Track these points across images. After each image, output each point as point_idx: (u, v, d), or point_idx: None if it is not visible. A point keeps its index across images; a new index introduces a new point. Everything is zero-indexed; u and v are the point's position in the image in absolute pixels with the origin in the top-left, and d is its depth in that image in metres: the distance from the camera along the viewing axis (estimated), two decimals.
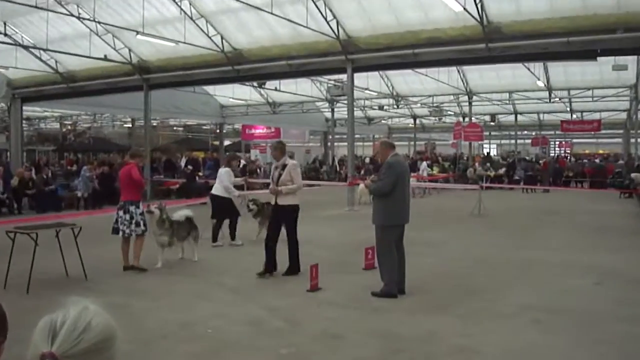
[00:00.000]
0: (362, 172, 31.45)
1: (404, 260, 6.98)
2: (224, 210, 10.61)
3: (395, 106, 31.97)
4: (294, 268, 7.85)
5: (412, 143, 43.69)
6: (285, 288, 7.27)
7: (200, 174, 20.99)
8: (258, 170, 29.25)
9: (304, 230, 12.68)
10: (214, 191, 10.63)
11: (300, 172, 8.42)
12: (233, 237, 10.58)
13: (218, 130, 37.27)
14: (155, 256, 8.77)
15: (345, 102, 22.02)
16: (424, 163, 26.50)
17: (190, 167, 20.63)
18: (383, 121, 41.71)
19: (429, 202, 20.53)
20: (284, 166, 7.88)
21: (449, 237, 11.84)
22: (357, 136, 49.77)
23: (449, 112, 34.46)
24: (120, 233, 8.45)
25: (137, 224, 8.42)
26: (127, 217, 8.46)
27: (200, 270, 8.51)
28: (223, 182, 10.50)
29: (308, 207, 18.74)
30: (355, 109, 23.45)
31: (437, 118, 36.86)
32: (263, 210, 10.88)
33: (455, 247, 10.64)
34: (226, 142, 43.42)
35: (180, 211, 9.33)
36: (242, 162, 31.38)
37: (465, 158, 31.88)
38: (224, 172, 10.68)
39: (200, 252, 9.46)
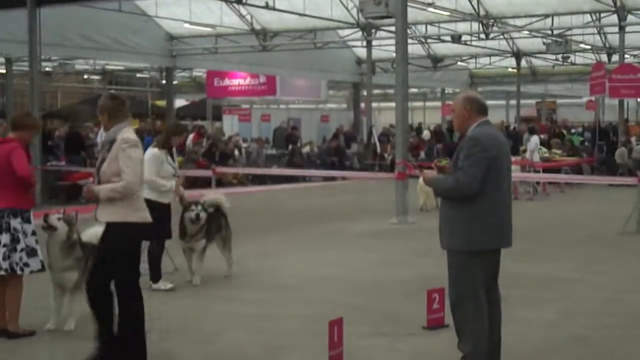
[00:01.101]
0: (423, 155, 28.65)
1: (499, 315, 6.59)
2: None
3: (483, 35, 29.63)
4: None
5: (514, 102, 40.80)
6: None
7: None
8: (236, 152, 26.47)
9: (317, 258, 12.56)
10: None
11: (160, 158, 8.39)
12: (155, 275, 10.09)
13: (164, 81, 34.92)
14: (46, 307, 8.28)
15: (392, 28, 20.69)
16: (534, 138, 24.00)
17: None
18: (461, 63, 38.99)
19: (544, 209, 19.59)
20: (112, 144, 6.73)
21: (583, 272, 11.28)
22: (413, 91, 48.70)
23: (582, 46, 32.24)
24: None
25: (30, 253, 8.01)
26: (6, 238, 7.99)
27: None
28: (146, 176, 9.49)
29: (325, 217, 18.85)
30: (411, 41, 20.89)
31: (558, 56, 34.39)
32: (213, 222, 10.52)
33: (595, 291, 10.12)
34: (179, 102, 40.83)
35: (93, 227, 8.63)
36: (206, 138, 28.27)
37: (612, 129, 28.98)
38: (148, 156, 9.76)
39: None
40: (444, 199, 6.52)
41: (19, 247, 7.82)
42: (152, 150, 9.93)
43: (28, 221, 7.94)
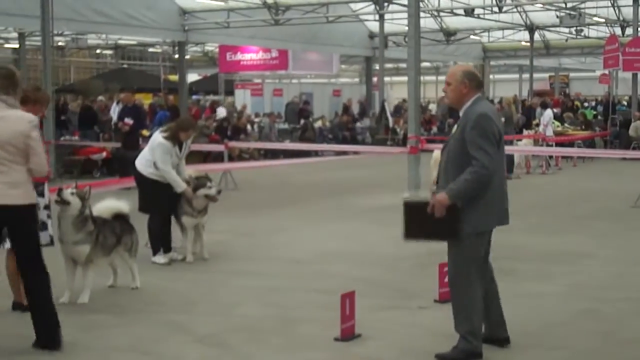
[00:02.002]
0: (435, 129, 28.55)
1: (496, 288, 6.60)
2: (147, 198, 10.19)
3: (496, 8, 29.42)
4: (48, 339, 6.53)
5: (527, 76, 40.69)
6: (298, 335, 6.95)
7: (146, 133, 18.65)
8: (249, 126, 26.45)
9: (331, 232, 12.59)
10: (139, 166, 10.23)
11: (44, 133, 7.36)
12: (155, 248, 10.20)
13: (177, 56, 34.81)
14: (59, 280, 8.31)
15: (405, 2, 20.74)
16: (548, 111, 23.85)
17: (128, 120, 18.19)
18: (474, 37, 38.71)
19: (556, 183, 19.50)
20: None
21: (594, 246, 11.17)
22: (425, 65, 48.61)
23: (596, 19, 31.85)
24: (8, 243, 7.72)
25: (40, 227, 7.77)
26: None
27: (146, 306, 8.15)
28: (157, 161, 9.96)
29: (337, 191, 18.84)
30: (423, 14, 20.77)
31: (572, 30, 33.77)
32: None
33: (605, 265, 10.09)
34: (192, 77, 40.71)
35: (104, 202, 8.86)
36: (221, 112, 28.16)
37: (625, 103, 28.80)
38: (158, 145, 10.03)
39: (142, 273, 9.06)
40: (445, 178, 6.20)
41: None
42: (162, 141, 9.96)
43: (42, 194, 7.92)
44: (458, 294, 6.26)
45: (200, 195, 10.10)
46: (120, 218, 8.79)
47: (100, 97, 27.25)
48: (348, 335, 6.77)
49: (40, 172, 6.52)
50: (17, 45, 34.98)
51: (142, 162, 10.11)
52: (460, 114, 6.21)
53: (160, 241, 10.13)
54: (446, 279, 8.01)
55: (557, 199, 16.44)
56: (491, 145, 5.98)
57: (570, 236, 11.86)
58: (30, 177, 6.43)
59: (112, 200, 8.95)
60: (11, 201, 6.29)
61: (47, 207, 7.99)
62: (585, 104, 33.92)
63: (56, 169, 19.78)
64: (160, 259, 9.90)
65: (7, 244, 7.76)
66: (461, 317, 6.23)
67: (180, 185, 9.99)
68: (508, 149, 20.08)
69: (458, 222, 6.03)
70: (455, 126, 6.25)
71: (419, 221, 6.18)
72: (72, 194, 8.11)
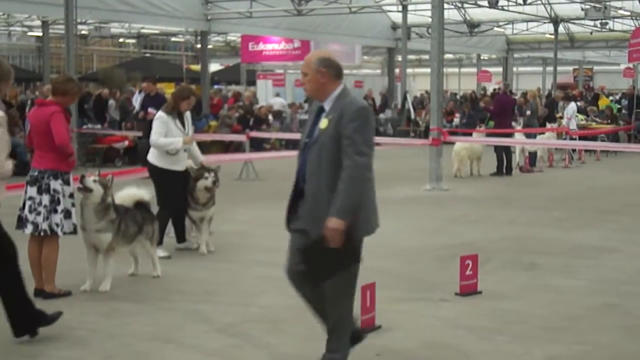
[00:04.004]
0: (458, 120, 28.50)
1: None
2: (158, 190, 10.08)
3: (520, 0, 29.62)
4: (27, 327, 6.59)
5: (551, 69, 40.09)
6: (318, 326, 6.55)
7: None
8: (270, 117, 26.40)
9: None
10: (149, 157, 10.14)
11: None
12: (180, 237, 10.29)
13: (199, 45, 34.65)
14: (80, 268, 8.37)
15: None
16: (572, 105, 23.86)
17: (152, 110, 18.15)
18: (498, 29, 38.43)
19: (579, 177, 19.33)
20: None
21: (617, 241, 11.05)
22: (448, 57, 48.07)
23: (621, 12, 31.59)
24: (29, 228, 7.99)
25: (65, 214, 8.02)
26: (46, 199, 7.95)
27: (167, 294, 8.19)
28: (152, 136, 9.88)
29: None
30: (447, 5, 20.64)
31: (597, 22, 33.61)
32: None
33: (628, 259, 9.99)
34: (214, 67, 40.76)
35: (126, 190, 8.90)
36: (276, 102, 28.08)
37: None
38: (155, 120, 10.03)
39: (163, 262, 9.27)
40: (318, 182, 5.41)
41: (59, 208, 7.86)
42: (159, 114, 9.88)
43: (67, 183, 7.99)
44: (338, 309, 5.63)
45: (200, 188, 9.97)
46: (141, 206, 8.81)
47: (130, 87, 27.35)
48: (368, 326, 6.74)
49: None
50: (40, 34, 35.20)
51: (153, 153, 10.03)
52: (326, 106, 5.49)
53: (167, 233, 10.08)
54: (467, 272, 8.04)
55: (580, 193, 16.33)
56: (370, 146, 5.41)
57: (593, 230, 11.78)
58: None
59: (133, 189, 8.97)
60: None
61: (71, 195, 8.05)
62: (610, 98, 33.63)
63: (78, 157, 19.86)
64: (160, 252, 9.70)
65: (28, 229, 7.86)
66: (342, 339, 5.67)
67: (177, 142, 9.70)
68: (531, 142, 20.17)
69: (356, 242, 5.44)
70: (324, 120, 5.45)
71: (322, 261, 5.34)
72: (95, 181, 8.14)
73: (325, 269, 5.39)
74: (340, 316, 5.62)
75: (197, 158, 10.20)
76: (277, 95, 33.05)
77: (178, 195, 10.01)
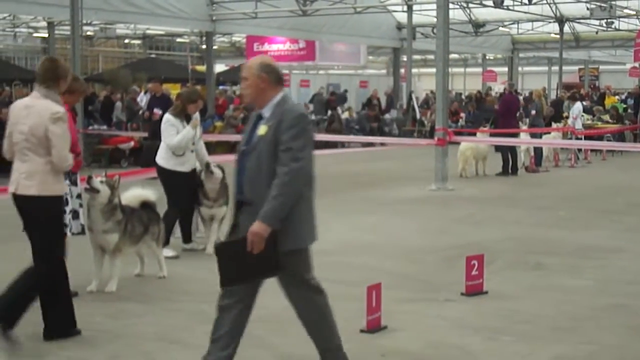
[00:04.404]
0: (463, 120, 28.47)
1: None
2: (166, 190, 10.13)
3: (525, 0, 29.64)
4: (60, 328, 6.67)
5: (557, 69, 40.21)
6: None
7: None
8: None
9: (357, 223, 12.57)
10: (157, 159, 10.16)
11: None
12: (187, 237, 10.33)
13: (204, 46, 34.73)
14: (86, 269, 8.41)
15: None
16: (578, 104, 23.99)
17: (157, 110, 18.24)
18: (503, 29, 38.42)
19: (585, 176, 19.34)
20: None
21: (623, 241, 11.04)
22: (454, 57, 48.36)
23: (627, 11, 31.54)
24: (73, 227, 8.05)
25: (73, 215, 8.05)
26: None
27: (173, 295, 8.23)
28: (163, 139, 9.94)
29: (364, 183, 18.68)
30: (452, 5, 20.60)
31: (602, 22, 33.62)
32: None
33: (634, 259, 9.97)
34: (219, 68, 41.13)
35: (132, 190, 8.94)
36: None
37: None
38: (163, 122, 10.04)
39: (169, 262, 9.29)
40: (254, 189, 5.28)
41: (67, 209, 7.80)
42: (167, 117, 9.90)
43: (75, 184, 7.98)
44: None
45: (206, 180, 10.01)
46: (147, 207, 8.83)
47: (134, 87, 27.36)
48: (374, 327, 6.76)
49: (59, 166, 6.44)
50: (46, 35, 35.25)
51: (161, 154, 10.04)
52: (265, 113, 5.35)
53: (173, 233, 10.08)
54: (473, 272, 8.03)
55: (586, 192, 16.30)
56: (308, 147, 5.29)
57: (599, 230, 11.77)
58: (51, 169, 6.38)
59: (139, 189, 8.98)
60: (24, 191, 6.34)
61: (79, 196, 8.04)
62: (617, 97, 33.56)
63: (84, 157, 19.87)
64: (168, 252, 9.71)
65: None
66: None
67: (187, 131, 9.67)
68: (536, 142, 20.14)
69: (277, 250, 5.26)
70: (263, 126, 5.31)
71: (237, 263, 5.22)
72: (102, 182, 8.16)
73: (238, 271, 5.28)
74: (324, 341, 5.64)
75: (203, 158, 10.21)
76: None
77: (185, 196, 10.03)
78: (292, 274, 5.46)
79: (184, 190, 10.02)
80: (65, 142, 6.46)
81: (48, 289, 6.49)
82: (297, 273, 5.49)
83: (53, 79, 6.52)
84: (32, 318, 6.65)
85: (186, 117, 9.90)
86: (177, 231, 10.24)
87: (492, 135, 19.97)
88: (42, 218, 6.43)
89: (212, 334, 5.50)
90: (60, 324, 6.60)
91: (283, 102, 5.34)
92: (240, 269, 5.25)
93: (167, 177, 9.98)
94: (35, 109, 6.36)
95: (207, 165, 10.08)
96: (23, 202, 6.40)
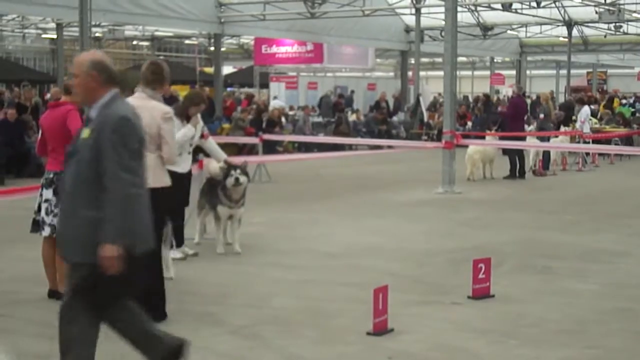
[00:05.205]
0: (471, 123, 28.42)
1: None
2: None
3: (534, 3, 29.17)
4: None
5: (565, 72, 40.23)
6: (331, 328, 6.92)
7: None
8: (283, 119, 26.43)
9: (364, 226, 12.55)
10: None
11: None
12: (179, 240, 10.09)
13: (212, 48, 34.76)
14: None
15: None
16: (585, 108, 23.83)
17: None
18: (511, 32, 38.48)
19: (592, 180, 19.28)
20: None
21: (630, 245, 11.02)
22: (462, 60, 48.31)
23: (635, 15, 31.65)
24: (46, 231, 7.96)
25: None
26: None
27: (180, 296, 8.06)
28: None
29: (371, 185, 18.67)
30: (460, 8, 20.61)
31: (611, 26, 33.48)
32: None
33: None
34: (227, 70, 41.14)
35: None
36: (255, 105, 28.16)
37: None
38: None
39: (176, 264, 9.31)
40: (73, 201, 4.85)
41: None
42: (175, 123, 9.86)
43: None
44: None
45: (229, 185, 9.91)
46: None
47: (137, 88, 27.33)
48: (381, 329, 6.76)
49: (170, 160, 7.13)
50: (54, 36, 35.37)
51: None
52: (92, 114, 4.94)
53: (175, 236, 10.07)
54: (480, 275, 8.00)
55: (593, 196, 16.26)
56: (136, 159, 4.84)
57: (606, 234, 11.74)
58: (161, 163, 7.02)
59: None
60: None
61: None
62: (623, 101, 33.49)
63: None
64: (176, 253, 9.68)
65: (45, 232, 7.86)
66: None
67: (188, 130, 9.51)
68: (544, 145, 20.13)
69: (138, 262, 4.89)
70: (86, 129, 4.89)
71: (107, 287, 4.78)
72: None
73: (112, 294, 4.90)
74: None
75: (220, 156, 10.15)
76: (275, 98, 33.07)
77: (177, 199, 9.88)
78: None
79: (178, 193, 9.91)
80: (174, 139, 7.18)
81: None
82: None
83: (160, 82, 7.23)
84: (36, 317, 6.67)
85: (187, 119, 9.82)
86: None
87: (500, 138, 19.98)
88: (160, 207, 6.80)
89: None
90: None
91: (110, 103, 4.92)
92: (113, 290, 4.83)
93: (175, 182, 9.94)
94: (146, 109, 6.74)
95: (235, 177, 9.86)
96: None
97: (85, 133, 4.84)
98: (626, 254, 10.38)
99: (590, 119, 23.75)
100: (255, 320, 7.19)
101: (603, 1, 28.81)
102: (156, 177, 6.82)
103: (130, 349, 6.47)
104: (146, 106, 6.84)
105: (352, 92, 34.92)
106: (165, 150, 6.97)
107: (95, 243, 4.67)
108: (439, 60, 39.31)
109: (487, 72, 46.48)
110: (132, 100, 6.92)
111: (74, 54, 30.37)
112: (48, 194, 7.87)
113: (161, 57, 42.71)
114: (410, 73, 35.99)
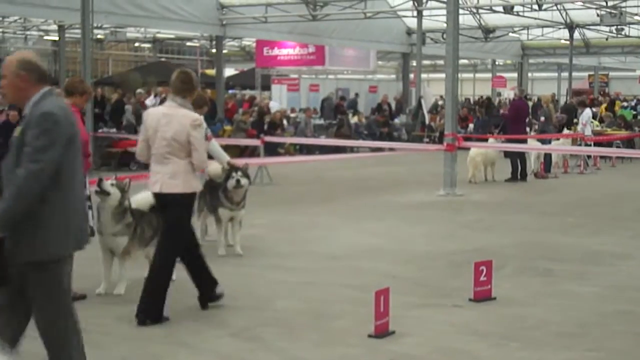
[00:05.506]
0: (473, 126, 28.43)
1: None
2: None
3: (535, 6, 28.95)
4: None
5: (566, 75, 39.92)
6: (332, 331, 6.96)
7: None
8: (284, 121, 26.42)
9: (365, 228, 12.55)
10: None
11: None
12: None
13: (214, 50, 34.61)
14: (95, 271, 8.43)
15: None
16: (587, 111, 23.74)
17: None
18: (513, 34, 38.34)
19: (594, 183, 19.31)
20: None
21: (631, 247, 11.01)
22: (463, 62, 48.19)
23: (637, 18, 31.50)
24: None
25: None
26: None
27: (181, 297, 8.04)
28: None
29: (372, 188, 18.69)
30: (462, 11, 20.59)
31: (612, 28, 33.27)
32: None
33: None
34: (229, 72, 41.17)
35: (142, 194, 8.81)
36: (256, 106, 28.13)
37: None
38: None
39: (178, 265, 8.85)
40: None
41: None
42: None
43: (84, 186, 7.98)
44: (51, 338, 5.03)
45: (229, 187, 9.95)
46: (156, 211, 8.82)
47: (139, 90, 27.42)
48: (382, 331, 6.77)
49: (200, 166, 7.36)
50: (56, 38, 35.42)
51: None
52: (26, 112, 4.92)
53: None
54: (481, 278, 8.00)
55: (594, 199, 16.25)
56: (50, 150, 4.75)
57: (607, 237, 11.73)
58: (190, 169, 7.20)
59: (149, 192, 9.00)
60: (170, 189, 7.16)
61: (88, 198, 8.00)
62: (624, 104, 33.44)
63: (94, 160, 19.90)
64: None
65: None
66: None
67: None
68: (545, 148, 20.12)
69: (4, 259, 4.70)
70: (18, 128, 4.90)
71: None
72: (112, 185, 8.18)
73: None
74: (56, 344, 5.02)
75: (223, 158, 10.14)
76: (270, 99, 33.04)
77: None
78: (38, 288, 4.85)
79: None
80: (204, 145, 7.38)
81: (190, 258, 7.61)
82: (46, 287, 4.86)
83: (189, 90, 7.29)
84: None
85: None
86: None
87: (501, 141, 19.96)
88: (185, 211, 7.36)
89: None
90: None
91: (40, 101, 4.87)
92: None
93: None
94: (176, 117, 7.10)
95: (236, 179, 9.91)
96: (169, 200, 7.22)
97: (17, 131, 4.84)
98: (627, 256, 10.37)
99: (592, 122, 23.73)
100: (257, 322, 7.19)
101: (605, 4, 28.72)
102: (186, 183, 7.17)
103: (134, 351, 6.49)
104: (176, 114, 7.12)
105: (357, 95, 34.99)
106: (195, 157, 7.15)
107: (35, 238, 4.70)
108: (441, 62, 39.34)
109: (489, 75, 46.39)
110: (161, 109, 7.46)
111: (75, 55, 30.51)
112: None
113: (163, 59, 42.85)
114: (411, 75, 35.92)
